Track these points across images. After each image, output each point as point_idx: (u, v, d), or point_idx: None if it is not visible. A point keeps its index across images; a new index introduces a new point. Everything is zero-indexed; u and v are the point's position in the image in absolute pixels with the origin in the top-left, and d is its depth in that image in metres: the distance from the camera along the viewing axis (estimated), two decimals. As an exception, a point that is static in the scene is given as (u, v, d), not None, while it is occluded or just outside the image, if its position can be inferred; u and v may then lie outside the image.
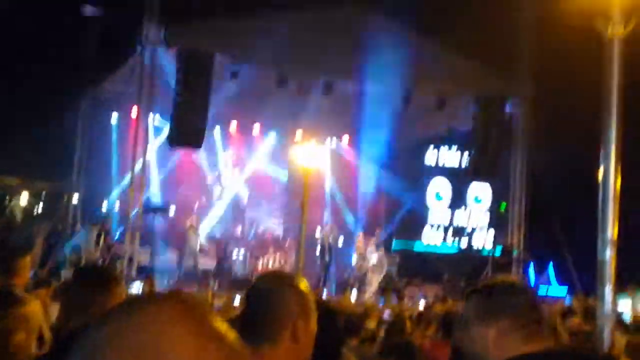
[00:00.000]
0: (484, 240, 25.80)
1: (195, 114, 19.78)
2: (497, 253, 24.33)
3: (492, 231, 25.86)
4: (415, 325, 9.75)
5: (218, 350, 1.05)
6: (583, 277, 20.95)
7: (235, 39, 20.03)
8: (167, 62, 20.13)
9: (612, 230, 6.77)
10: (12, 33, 24.12)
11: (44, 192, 26.85)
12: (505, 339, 2.47)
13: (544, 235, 23.50)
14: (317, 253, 22.98)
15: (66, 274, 17.94)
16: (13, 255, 6.03)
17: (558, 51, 19.12)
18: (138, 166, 20.08)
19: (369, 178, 27.37)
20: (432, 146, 26.22)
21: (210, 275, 22.12)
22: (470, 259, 24.76)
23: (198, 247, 22.53)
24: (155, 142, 22.77)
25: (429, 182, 26.25)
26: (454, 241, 25.83)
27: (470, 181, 25.75)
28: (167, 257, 22.49)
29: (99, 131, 24.10)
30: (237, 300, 12.76)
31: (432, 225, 26.15)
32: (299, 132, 24.92)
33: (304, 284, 2.63)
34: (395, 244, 25.65)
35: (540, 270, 24.62)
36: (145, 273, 18.76)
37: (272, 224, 26.21)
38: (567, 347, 5.81)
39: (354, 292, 21.84)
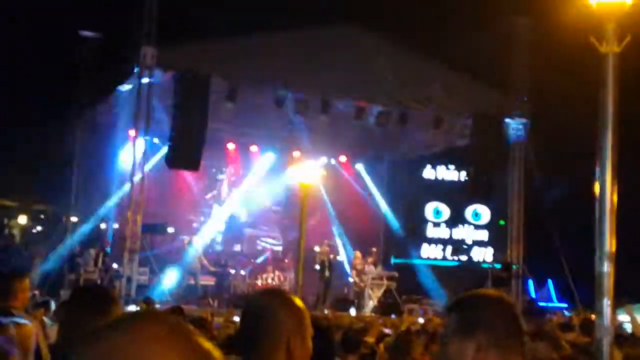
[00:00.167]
0: (483, 255, 25.81)
1: (192, 135, 19.78)
2: (497, 267, 24.32)
3: (490, 248, 25.87)
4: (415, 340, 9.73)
5: None
6: (583, 292, 20.93)
7: (232, 59, 20.08)
8: (164, 84, 20.16)
9: (609, 243, 6.76)
10: (11, 58, 24.25)
11: (42, 215, 26.91)
12: (483, 354, 2.42)
13: (543, 251, 23.50)
14: (317, 270, 22.97)
15: (65, 294, 17.91)
16: (11, 277, 6.02)
17: (554, 68, 19.23)
18: (136, 187, 20.08)
19: (366, 196, 27.41)
20: (429, 165, 26.26)
21: (209, 293, 22.11)
22: (470, 273, 24.74)
23: (197, 266, 22.52)
24: (153, 163, 22.79)
25: (427, 199, 26.28)
26: (453, 256, 25.83)
27: (469, 199, 25.75)
28: (166, 276, 22.47)
29: (96, 153, 24.16)
30: (236, 318, 12.76)
31: (431, 241, 26.16)
32: (296, 152, 24.99)
33: (298, 301, 2.64)
34: (394, 260, 25.66)
35: (540, 286, 24.63)
36: (144, 293, 18.72)
37: (271, 242, 26.21)
38: None
39: (353, 308, 21.81)
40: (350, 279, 23.43)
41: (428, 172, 26.37)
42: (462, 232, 26.14)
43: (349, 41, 21.21)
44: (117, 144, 24.16)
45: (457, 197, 26.00)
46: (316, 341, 2.71)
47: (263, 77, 20.36)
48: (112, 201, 23.53)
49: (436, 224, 26.30)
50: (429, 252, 26.12)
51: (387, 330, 11.72)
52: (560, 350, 6.07)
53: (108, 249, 22.18)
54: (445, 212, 26.31)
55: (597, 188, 7.03)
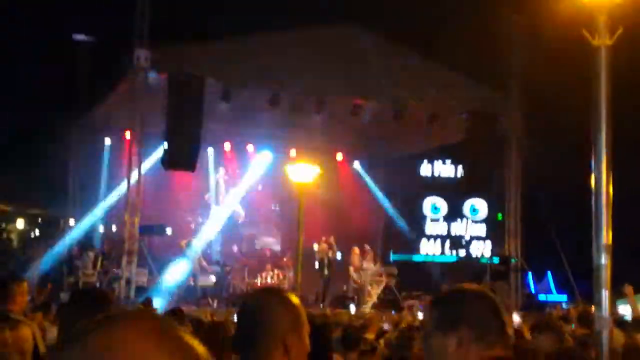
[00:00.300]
0: (481, 250, 25.82)
1: (188, 137, 19.79)
2: (495, 261, 24.36)
3: (489, 242, 25.89)
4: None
5: None
6: (582, 285, 20.98)
7: (226, 60, 20.10)
8: (158, 86, 20.15)
9: (606, 236, 6.79)
10: (4, 62, 24.24)
11: (39, 218, 26.90)
12: (465, 348, 2.42)
13: (542, 245, 23.55)
14: (316, 268, 22.99)
15: (64, 296, 17.91)
16: (9, 281, 6.04)
17: (548, 63, 19.25)
18: (132, 189, 20.10)
19: (363, 193, 27.43)
20: (426, 161, 26.26)
21: (209, 293, 22.12)
22: (469, 267, 24.77)
23: (196, 266, 22.53)
24: (149, 164, 22.79)
25: (425, 195, 26.28)
26: (452, 251, 25.84)
27: (466, 194, 25.75)
28: (165, 277, 22.48)
29: (92, 156, 24.20)
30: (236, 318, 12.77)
31: (429, 237, 26.17)
32: (292, 151, 25.01)
33: (294, 298, 2.65)
34: (393, 257, 25.68)
35: (539, 279, 24.67)
36: (144, 294, 18.72)
37: (270, 241, 26.21)
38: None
39: (353, 305, 21.84)
40: (349, 276, 23.45)
41: (425, 169, 26.35)
42: (460, 227, 26.14)
43: (343, 40, 21.23)
44: (114, 146, 24.17)
45: (454, 193, 26.00)
46: (313, 339, 2.71)
47: (257, 77, 20.37)
48: (109, 204, 23.53)
49: (434, 220, 26.30)
50: (428, 247, 26.13)
51: (386, 327, 11.74)
52: (562, 343, 6.09)
53: (108, 251, 22.19)
54: (443, 207, 26.30)
55: (592, 181, 7.05)
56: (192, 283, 22.48)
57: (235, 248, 25.32)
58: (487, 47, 22.34)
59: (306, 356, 2.61)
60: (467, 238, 25.79)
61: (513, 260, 24.41)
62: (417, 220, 26.29)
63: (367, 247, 23.82)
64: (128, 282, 19.51)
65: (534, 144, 23.66)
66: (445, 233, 26.17)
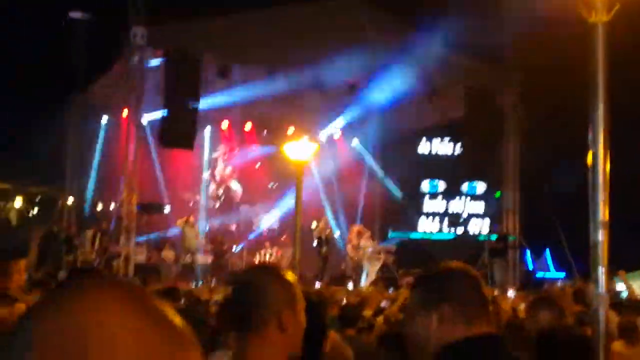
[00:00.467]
0: (480, 227, 25.87)
1: (185, 114, 19.76)
2: (493, 239, 24.41)
3: (487, 219, 25.92)
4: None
5: (162, 333, 0.99)
6: (580, 262, 21.02)
7: (223, 37, 20.02)
8: (156, 63, 20.10)
9: (603, 212, 6.80)
10: (0, 41, 24.12)
11: (37, 197, 26.87)
12: (446, 326, 2.45)
13: (540, 222, 23.57)
14: (314, 246, 23.04)
15: (63, 275, 17.93)
16: (6, 259, 6.05)
17: (546, 39, 19.16)
18: (130, 167, 20.09)
19: (362, 170, 27.43)
20: (424, 138, 26.22)
21: (207, 271, 22.18)
22: (467, 245, 24.81)
23: (195, 244, 22.57)
24: (147, 142, 22.78)
25: (423, 173, 26.27)
26: (450, 229, 25.87)
27: (464, 171, 25.76)
28: (163, 255, 22.55)
29: (90, 134, 24.17)
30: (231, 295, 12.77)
31: (427, 215, 26.19)
32: (290, 128, 24.98)
33: (289, 275, 2.65)
34: (391, 234, 25.72)
35: (538, 256, 24.72)
36: (143, 272, 18.75)
37: (268, 219, 26.24)
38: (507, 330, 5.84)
39: (351, 283, 21.89)
40: (347, 254, 23.50)
41: (423, 146, 26.33)
42: (459, 205, 26.16)
43: (341, 16, 21.12)
44: (112, 125, 24.14)
45: (452, 170, 26.00)
46: (309, 316, 2.71)
47: (255, 54, 20.31)
48: (107, 182, 23.52)
49: (432, 197, 26.31)
50: (426, 225, 26.16)
51: (384, 304, 11.78)
52: (562, 319, 6.10)
53: (107, 230, 22.21)
54: (441, 185, 26.31)
55: (589, 158, 7.05)
56: (190, 261, 22.53)
57: (233, 226, 25.36)
58: (485, 23, 22.22)
59: (302, 333, 2.61)
60: (465, 215, 25.83)
61: (511, 238, 24.46)
62: (415, 198, 26.30)
63: (358, 226, 23.84)
64: (126, 259, 19.54)
65: (532, 120, 23.64)
66: (443, 210, 26.19)
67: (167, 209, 23.64)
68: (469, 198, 26.18)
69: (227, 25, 20.31)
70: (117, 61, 21.29)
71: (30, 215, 26.59)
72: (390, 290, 18.66)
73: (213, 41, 20.05)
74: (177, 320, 1.02)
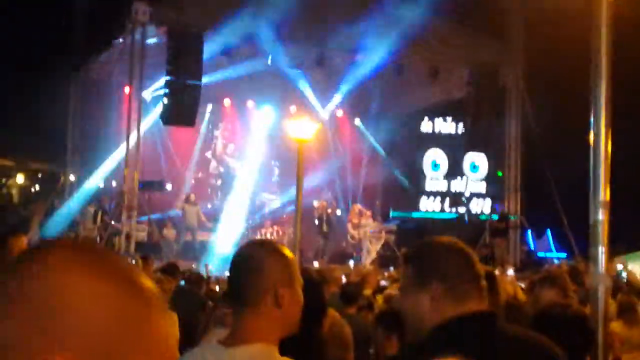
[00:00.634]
0: (481, 207, 25.84)
1: (187, 92, 19.72)
2: (495, 219, 24.39)
3: (488, 199, 25.89)
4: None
5: (129, 294, 0.96)
6: (582, 243, 21.01)
7: (225, 14, 19.91)
8: (158, 40, 20.03)
9: (604, 192, 6.76)
10: (3, 17, 24.06)
11: (39, 174, 26.91)
12: (438, 303, 2.43)
13: (542, 202, 23.55)
14: (316, 224, 23.05)
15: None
16: (8, 236, 6.04)
17: (549, 16, 19.07)
18: (132, 143, 20.08)
19: (364, 149, 27.38)
20: (427, 118, 26.13)
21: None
22: (468, 224, 24.79)
23: (195, 222, 22.58)
24: (149, 119, 22.75)
25: (424, 152, 26.20)
26: (452, 208, 25.84)
27: (466, 151, 25.70)
28: (164, 233, 22.57)
29: (92, 110, 24.12)
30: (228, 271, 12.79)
31: (429, 194, 26.15)
32: (292, 106, 24.92)
33: (286, 251, 2.63)
34: (392, 213, 25.70)
35: (539, 236, 24.73)
36: (144, 249, 18.78)
37: (269, 197, 26.23)
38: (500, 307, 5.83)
39: (352, 261, 21.91)
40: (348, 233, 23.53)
41: (425, 125, 26.23)
42: (460, 185, 26.09)
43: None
44: (113, 101, 24.10)
45: (454, 149, 25.93)
46: (308, 293, 2.70)
47: (257, 31, 20.21)
48: (109, 159, 23.52)
49: (434, 177, 26.26)
50: (428, 204, 26.13)
51: (383, 283, 11.79)
52: (566, 298, 6.09)
53: (108, 206, 22.23)
54: (443, 164, 26.22)
55: (591, 137, 7.02)
56: (190, 238, 22.55)
57: (234, 204, 25.35)
58: (488, 1, 22.11)
59: (299, 310, 2.59)
60: (467, 195, 25.79)
61: (512, 218, 24.45)
62: (417, 177, 26.25)
63: (373, 202, 23.85)
64: (128, 237, 19.57)
65: (535, 99, 23.57)
66: (445, 190, 26.15)
67: (168, 187, 23.63)
68: (470, 177, 26.13)
69: (229, 2, 20.18)
70: (118, 38, 21.22)
71: (32, 191, 26.63)
72: (391, 269, 18.68)
73: (215, 18, 19.95)
74: (146, 282, 1.00)
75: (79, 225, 21.11)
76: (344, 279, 10.70)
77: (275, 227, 24.00)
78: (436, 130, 26.25)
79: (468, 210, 25.36)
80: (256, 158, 26.18)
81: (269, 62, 21.60)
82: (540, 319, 4.35)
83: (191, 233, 22.54)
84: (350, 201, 25.66)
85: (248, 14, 19.78)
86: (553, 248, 24.34)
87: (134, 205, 19.90)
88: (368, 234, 22.79)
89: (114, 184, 23.62)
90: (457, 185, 26.08)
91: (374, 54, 22.10)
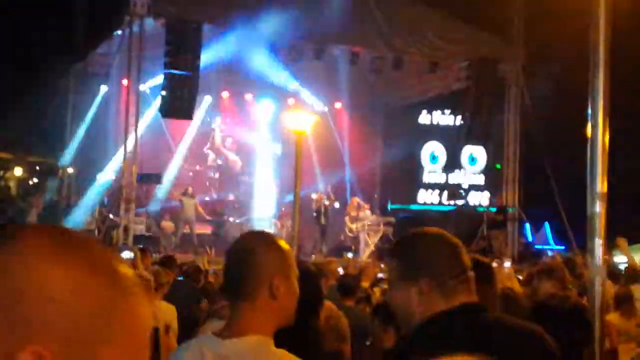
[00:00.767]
0: (479, 199, 25.85)
1: (185, 84, 19.70)
2: (493, 211, 24.39)
3: (487, 192, 25.90)
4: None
5: (102, 279, 0.92)
6: (580, 236, 21.01)
7: (223, 6, 19.89)
8: (156, 32, 20.00)
9: (601, 184, 6.77)
10: (1, 10, 24.00)
11: (38, 166, 26.89)
12: (426, 297, 2.41)
13: (540, 195, 23.55)
14: (314, 216, 23.06)
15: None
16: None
17: (549, 10, 19.05)
18: (130, 136, 20.06)
19: (362, 142, 27.36)
20: (425, 110, 26.12)
21: (205, 241, 22.19)
22: (466, 217, 24.79)
23: (193, 215, 22.58)
24: (147, 112, 22.73)
25: (423, 145, 26.21)
26: (450, 201, 25.84)
27: (465, 143, 25.70)
28: (162, 225, 22.57)
29: (90, 104, 24.10)
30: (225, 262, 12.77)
31: (427, 187, 26.16)
32: (291, 99, 24.91)
33: (282, 242, 2.62)
34: (391, 206, 25.71)
35: (537, 229, 24.74)
36: (142, 242, 18.77)
37: (267, 190, 26.21)
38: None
39: (350, 254, 21.92)
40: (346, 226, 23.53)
41: (424, 118, 26.23)
42: (459, 177, 26.11)
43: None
44: (111, 94, 24.06)
45: (453, 142, 25.93)
46: (304, 285, 2.69)
47: (256, 23, 20.17)
48: (108, 152, 23.50)
49: (432, 170, 26.26)
50: (426, 197, 26.14)
51: (381, 275, 11.80)
52: (564, 290, 6.10)
53: (105, 200, 22.23)
54: (442, 157, 26.23)
55: (589, 129, 7.01)
56: (188, 231, 22.56)
57: (232, 197, 25.35)
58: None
59: (295, 302, 2.59)
60: (465, 187, 25.79)
61: (510, 210, 24.46)
62: (415, 170, 26.25)
63: (371, 194, 23.85)
64: (126, 230, 19.57)
65: (533, 92, 23.56)
66: (443, 182, 26.16)
67: (165, 180, 23.62)
68: (469, 170, 26.13)
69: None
70: (117, 30, 21.18)
71: (31, 184, 26.61)
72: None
73: (213, 10, 19.93)
74: (121, 266, 0.96)
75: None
76: (341, 272, 10.68)
77: (273, 220, 24.03)
78: (434, 123, 26.26)
79: (466, 203, 25.38)
80: (254, 150, 26.21)
81: (268, 54, 21.53)
82: (539, 310, 4.36)
83: (189, 225, 22.53)
84: (349, 194, 25.66)
85: (247, 4, 19.74)
86: (551, 241, 24.36)
87: (132, 198, 19.89)
88: (366, 226, 22.80)
89: (112, 177, 23.60)
90: (455, 177, 26.09)
91: (372, 47, 22.06)
